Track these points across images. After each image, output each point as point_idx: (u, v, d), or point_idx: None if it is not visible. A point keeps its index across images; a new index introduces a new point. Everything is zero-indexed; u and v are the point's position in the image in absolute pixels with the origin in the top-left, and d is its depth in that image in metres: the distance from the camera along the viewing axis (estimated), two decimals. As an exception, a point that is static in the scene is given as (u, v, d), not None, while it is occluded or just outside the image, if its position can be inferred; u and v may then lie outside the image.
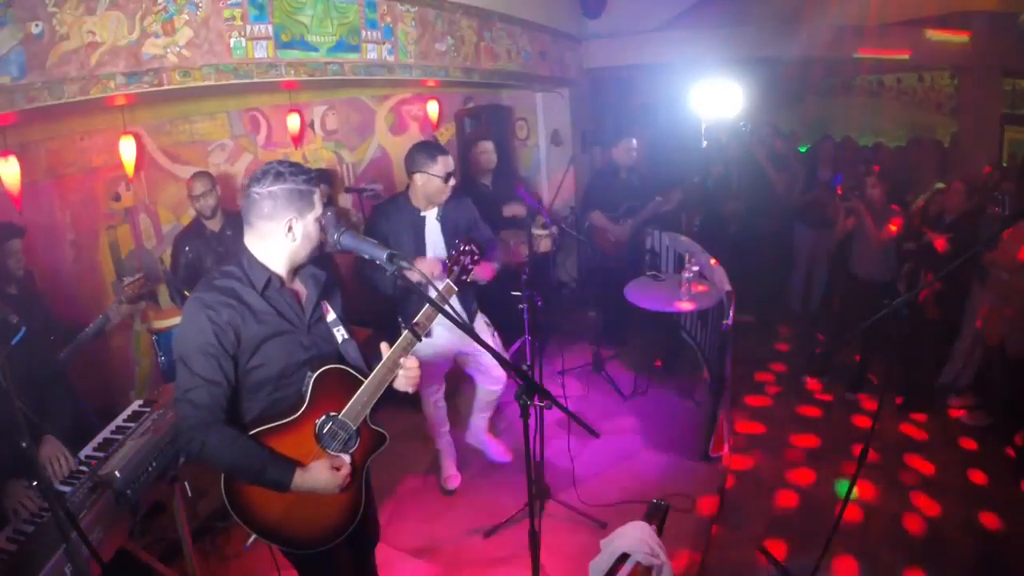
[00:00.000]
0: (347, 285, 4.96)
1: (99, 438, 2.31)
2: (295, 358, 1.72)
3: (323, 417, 1.72)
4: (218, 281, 1.66)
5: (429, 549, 2.97)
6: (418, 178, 2.86)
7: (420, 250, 2.95)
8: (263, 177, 1.65)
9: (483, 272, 2.92)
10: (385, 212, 2.96)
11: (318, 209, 1.71)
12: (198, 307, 1.61)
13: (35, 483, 1.49)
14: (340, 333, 1.84)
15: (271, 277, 1.69)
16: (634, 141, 4.77)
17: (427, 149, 2.86)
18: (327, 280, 1.86)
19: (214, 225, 3.53)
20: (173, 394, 1.66)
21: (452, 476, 3.43)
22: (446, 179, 2.83)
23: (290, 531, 1.73)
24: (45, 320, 2.78)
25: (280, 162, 1.69)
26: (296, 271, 1.79)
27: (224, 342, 1.60)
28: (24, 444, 1.42)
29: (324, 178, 4.58)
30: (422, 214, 2.96)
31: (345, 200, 5.24)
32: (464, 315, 3.27)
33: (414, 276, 1.67)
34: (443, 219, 2.99)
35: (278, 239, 1.68)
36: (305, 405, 1.69)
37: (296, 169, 1.68)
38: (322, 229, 1.74)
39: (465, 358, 3.27)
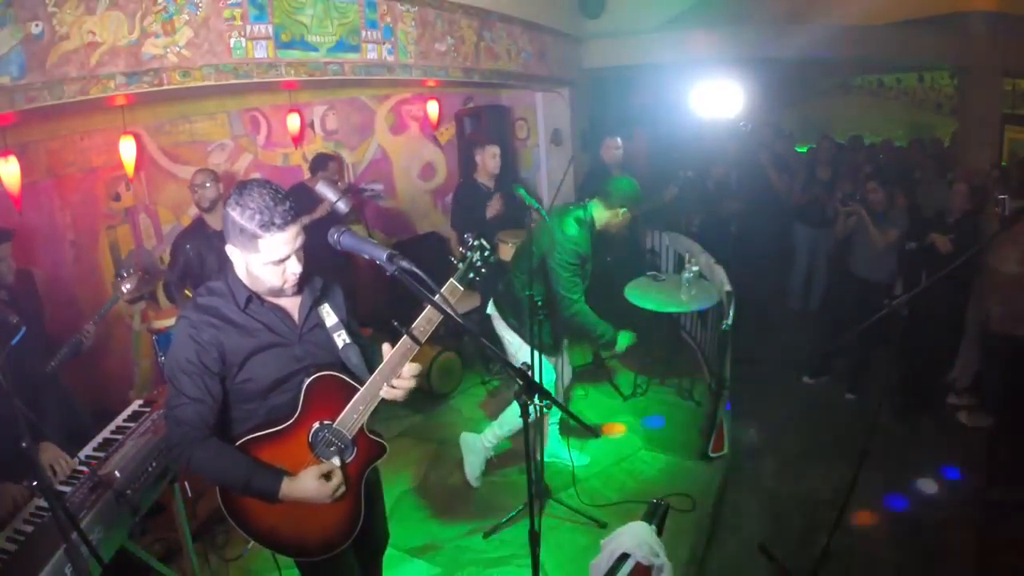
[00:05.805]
0: (369, 289, 4.96)
1: (99, 438, 2.31)
2: (286, 370, 1.68)
3: (317, 425, 1.66)
4: (202, 299, 1.64)
5: (429, 549, 2.97)
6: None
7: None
8: (233, 192, 1.55)
9: None
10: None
11: (268, 255, 1.54)
12: (182, 326, 1.60)
13: (35, 483, 1.48)
14: (341, 338, 1.76)
15: (251, 295, 1.64)
16: (619, 140, 4.82)
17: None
18: (323, 284, 1.79)
19: (215, 223, 3.53)
20: (163, 408, 1.66)
21: (477, 476, 3.39)
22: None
23: (286, 538, 1.70)
24: (38, 320, 2.76)
25: (257, 185, 1.55)
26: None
27: (205, 360, 1.58)
28: (24, 444, 1.42)
29: (321, 163, 4.47)
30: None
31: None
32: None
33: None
34: None
35: (236, 262, 1.62)
36: (297, 413, 1.64)
37: (259, 203, 1.50)
38: (285, 274, 1.59)
39: None
